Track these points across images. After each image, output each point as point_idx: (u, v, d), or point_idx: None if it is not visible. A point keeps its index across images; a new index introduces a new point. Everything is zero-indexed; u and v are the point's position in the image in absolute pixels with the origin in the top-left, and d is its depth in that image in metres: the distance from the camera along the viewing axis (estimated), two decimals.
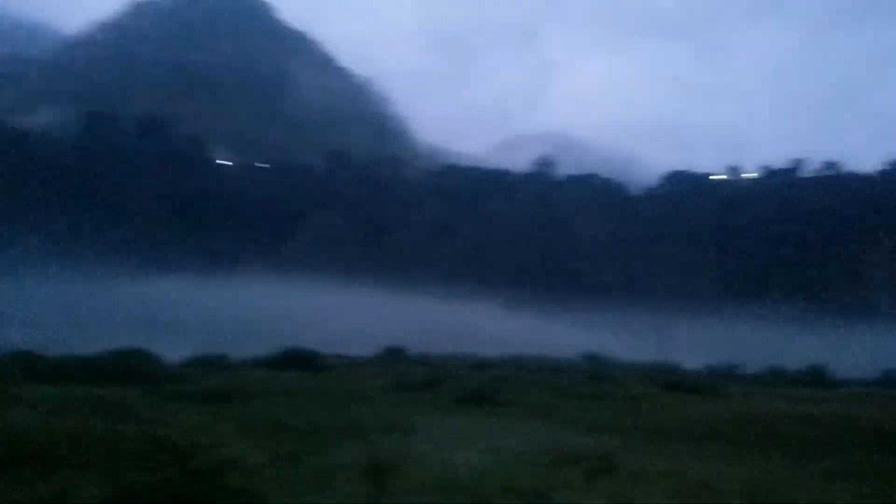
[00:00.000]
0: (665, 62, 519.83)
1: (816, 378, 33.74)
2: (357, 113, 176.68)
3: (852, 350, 58.62)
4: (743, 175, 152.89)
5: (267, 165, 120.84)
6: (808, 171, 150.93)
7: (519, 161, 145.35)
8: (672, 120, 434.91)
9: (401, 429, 10.51)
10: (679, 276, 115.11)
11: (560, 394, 18.71)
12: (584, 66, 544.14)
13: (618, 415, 14.33)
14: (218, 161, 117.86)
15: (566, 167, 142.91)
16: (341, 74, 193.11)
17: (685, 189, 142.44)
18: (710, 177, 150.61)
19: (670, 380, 22.85)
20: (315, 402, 13.53)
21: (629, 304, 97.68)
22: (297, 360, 22.50)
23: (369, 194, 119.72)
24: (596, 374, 25.38)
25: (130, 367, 16.90)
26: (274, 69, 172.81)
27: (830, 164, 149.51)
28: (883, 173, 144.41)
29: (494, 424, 11.76)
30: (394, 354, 32.33)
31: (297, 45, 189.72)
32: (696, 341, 64.58)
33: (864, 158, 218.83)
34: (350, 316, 66.41)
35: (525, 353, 39.86)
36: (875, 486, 7.82)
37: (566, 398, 17.93)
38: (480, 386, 17.98)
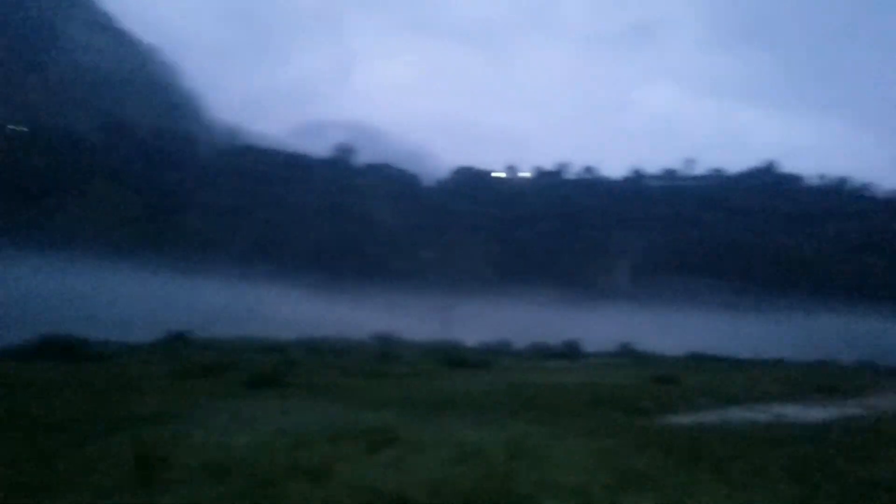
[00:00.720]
0: (457, 64, 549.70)
1: (571, 351, 38.74)
2: (142, 82, 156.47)
3: (600, 326, 68.09)
4: (520, 174, 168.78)
5: (25, 129, 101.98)
6: (571, 173, 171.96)
7: (318, 146, 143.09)
8: (461, 118, 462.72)
9: (177, 417, 9.84)
10: (463, 263, 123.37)
11: (349, 373, 19.00)
12: (384, 58, 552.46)
13: (402, 390, 15.01)
14: None
15: (364, 155, 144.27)
16: (123, 38, 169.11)
17: (471, 183, 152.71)
18: (493, 174, 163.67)
19: (451, 356, 24.50)
20: (77, 394, 11.99)
21: (419, 288, 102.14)
22: (58, 349, 19.34)
23: (154, 170, 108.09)
24: (385, 353, 26.21)
25: None
26: (37, 21, 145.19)
27: (589, 169, 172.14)
28: (626, 180, 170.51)
29: (281, 406, 11.58)
30: (177, 339, 29.80)
31: None
32: (476, 321, 69.71)
33: (615, 165, 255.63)
34: (128, 300, 59.57)
35: (318, 335, 39.68)
36: (613, 438, 9.28)
37: (355, 377, 18.26)
38: (269, 368, 17.51)
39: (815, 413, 15.14)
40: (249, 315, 56.31)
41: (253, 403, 11.91)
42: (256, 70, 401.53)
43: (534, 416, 11.66)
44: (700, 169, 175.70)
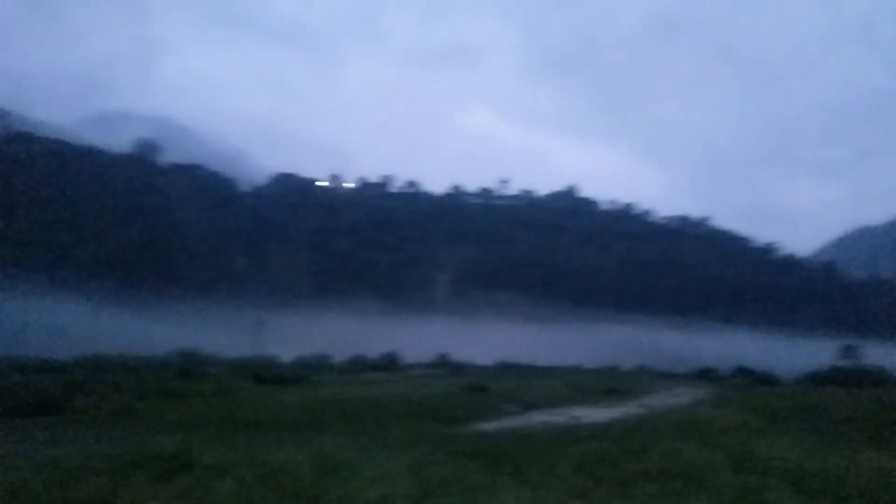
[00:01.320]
0: (278, 66, 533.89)
1: (390, 363, 39.22)
2: None
3: (418, 338, 69.69)
4: (343, 184, 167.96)
5: None
6: (395, 186, 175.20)
7: (115, 140, 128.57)
8: (283, 123, 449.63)
9: None
10: (280, 273, 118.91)
11: (144, 394, 17.17)
12: (197, 52, 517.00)
13: (204, 410, 13.93)
14: None
15: (171, 154, 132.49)
16: None
17: (291, 191, 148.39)
18: (316, 183, 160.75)
19: (263, 372, 23.35)
20: None
21: (231, 299, 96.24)
22: None
23: None
24: (187, 370, 24.16)
25: None
26: None
27: (412, 183, 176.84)
28: (447, 196, 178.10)
29: (57, 434, 10.07)
30: None
31: None
32: (292, 335, 67.40)
33: (436, 181, 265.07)
34: None
35: (110, 352, 35.34)
36: (423, 448, 9.40)
37: (151, 398, 16.56)
38: (44, 392, 15.16)
39: (603, 413, 16.91)
40: (23, 331, 48.50)
41: (21, 433, 10.20)
42: (38, 49, 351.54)
43: (347, 430, 11.48)
44: (513, 189, 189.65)
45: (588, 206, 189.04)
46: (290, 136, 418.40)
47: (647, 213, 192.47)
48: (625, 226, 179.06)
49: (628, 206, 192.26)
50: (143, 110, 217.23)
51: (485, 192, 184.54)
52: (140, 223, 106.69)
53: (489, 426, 13.75)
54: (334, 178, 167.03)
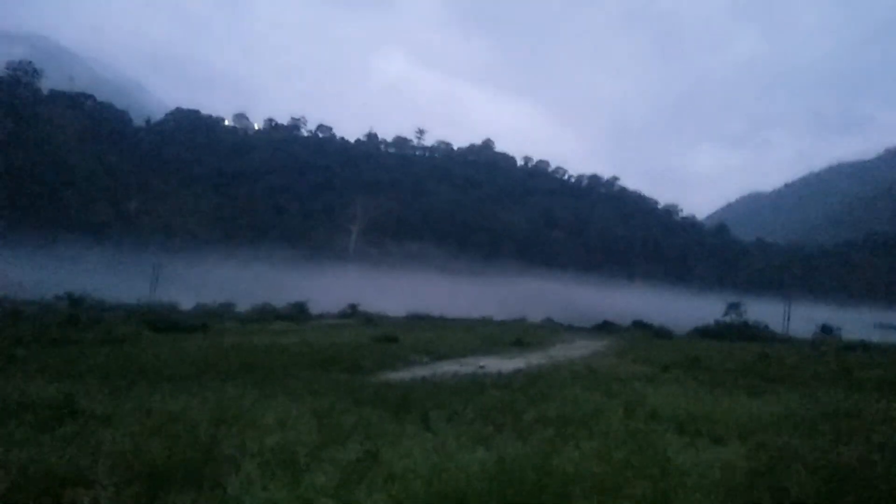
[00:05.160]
0: None
1: (298, 313, 38.56)
2: None
3: (329, 287, 68.84)
4: (250, 125, 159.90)
5: None
6: (305, 130, 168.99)
7: None
8: (184, 55, 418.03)
9: None
10: (179, 216, 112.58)
11: (26, 341, 15.88)
12: None
13: (94, 358, 13.09)
14: None
15: (52, 80, 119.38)
16: None
17: (191, 129, 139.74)
18: (219, 121, 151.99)
19: (159, 319, 22.22)
20: None
21: (126, 243, 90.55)
22: None
23: None
24: (75, 316, 22.58)
25: None
26: None
27: (323, 127, 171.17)
28: (361, 143, 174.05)
29: None
30: None
31: None
32: (193, 281, 64.47)
33: (350, 127, 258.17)
34: None
35: None
36: (329, 397, 9.29)
37: (34, 345, 15.34)
38: None
39: (509, 364, 17.46)
40: None
41: None
42: None
43: (250, 379, 11.18)
44: (429, 140, 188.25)
45: (505, 161, 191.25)
46: (191, 69, 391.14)
47: (559, 170, 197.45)
48: (538, 182, 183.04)
49: (542, 163, 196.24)
50: (14, 28, 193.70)
51: (401, 142, 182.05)
52: (19, 157, 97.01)
53: (398, 376, 13.83)
54: (240, 117, 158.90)
